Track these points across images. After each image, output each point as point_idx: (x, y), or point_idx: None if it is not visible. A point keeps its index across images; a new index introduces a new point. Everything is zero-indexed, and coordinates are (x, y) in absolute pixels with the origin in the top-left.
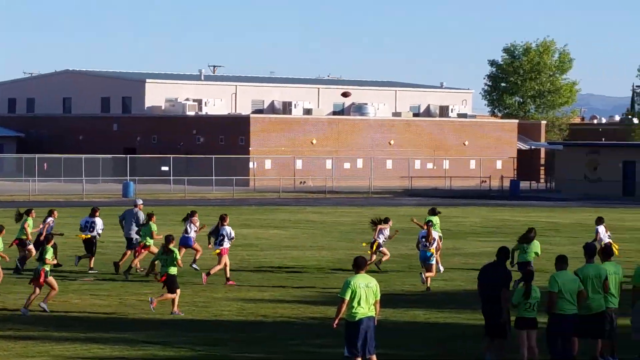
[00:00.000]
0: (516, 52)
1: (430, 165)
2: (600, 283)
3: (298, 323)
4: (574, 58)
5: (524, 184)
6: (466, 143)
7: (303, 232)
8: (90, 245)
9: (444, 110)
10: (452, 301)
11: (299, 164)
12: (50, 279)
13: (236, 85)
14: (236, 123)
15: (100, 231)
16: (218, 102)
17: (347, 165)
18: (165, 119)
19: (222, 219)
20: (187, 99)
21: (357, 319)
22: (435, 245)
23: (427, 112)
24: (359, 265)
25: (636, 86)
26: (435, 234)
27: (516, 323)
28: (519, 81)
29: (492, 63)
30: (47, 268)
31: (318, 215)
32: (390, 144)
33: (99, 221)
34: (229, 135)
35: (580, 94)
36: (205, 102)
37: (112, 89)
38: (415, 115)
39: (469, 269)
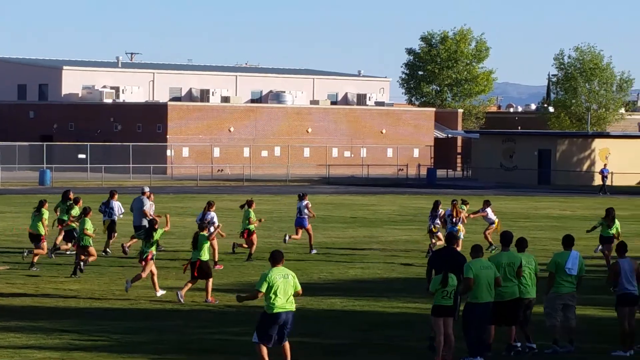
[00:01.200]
0: (433, 41)
1: (347, 154)
2: (513, 271)
3: (213, 311)
4: (490, 47)
5: (440, 172)
6: (384, 131)
7: (220, 220)
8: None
9: (361, 99)
10: (369, 289)
11: (216, 151)
12: None
13: (154, 73)
14: (154, 110)
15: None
16: (135, 89)
17: (264, 153)
18: (82, 106)
19: (209, 205)
20: (104, 87)
21: (274, 311)
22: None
23: (345, 101)
24: (274, 259)
25: (552, 75)
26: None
27: (433, 310)
28: (436, 70)
29: (410, 52)
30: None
31: (236, 203)
32: (307, 132)
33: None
34: (146, 123)
35: (497, 83)
36: (123, 90)
37: (29, 76)
38: (333, 103)
39: (385, 256)
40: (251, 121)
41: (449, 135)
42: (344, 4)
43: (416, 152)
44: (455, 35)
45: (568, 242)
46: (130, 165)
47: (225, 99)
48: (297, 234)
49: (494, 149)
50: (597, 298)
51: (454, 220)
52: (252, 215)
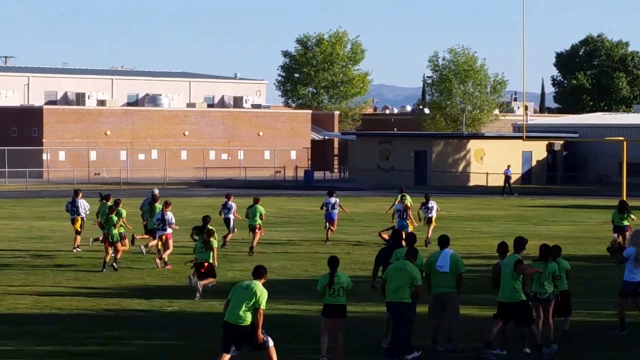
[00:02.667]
0: (309, 43)
1: (225, 156)
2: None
3: (92, 315)
4: (366, 49)
5: (318, 174)
6: (260, 133)
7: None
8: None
9: (238, 101)
10: None
11: (93, 155)
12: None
13: (28, 76)
14: (29, 114)
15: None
16: (10, 93)
17: (141, 157)
18: None
19: (166, 204)
20: None
21: (225, 319)
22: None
23: (222, 103)
24: (256, 273)
25: (427, 77)
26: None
27: (322, 310)
28: (312, 72)
29: (286, 54)
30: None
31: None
32: (184, 134)
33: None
34: (21, 127)
35: (373, 85)
36: None
37: None
38: (209, 106)
39: (263, 258)
40: (128, 124)
41: (326, 137)
42: (221, 5)
43: (293, 154)
44: (331, 38)
45: (443, 242)
46: (6, 169)
47: (102, 103)
48: (333, 226)
49: (371, 151)
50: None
51: (404, 214)
52: (263, 210)
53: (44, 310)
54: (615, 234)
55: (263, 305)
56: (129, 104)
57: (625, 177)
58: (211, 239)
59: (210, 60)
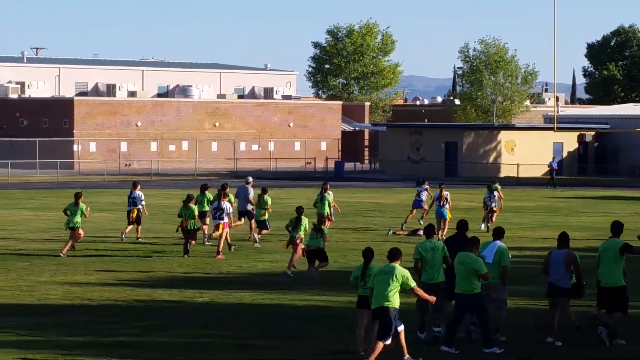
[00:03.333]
0: (339, 34)
1: (255, 147)
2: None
3: (123, 306)
4: (396, 40)
5: (348, 165)
6: (291, 125)
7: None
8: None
9: (268, 92)
10: (278, 283)
11: (123, 146)
12: None
13: (59, 68)
14: (60, 105)
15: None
16: (41, 84)
17: (172, 148)
18: None
19: (220, 195)
20: (9, 82)
21: (372, 307)
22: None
23: (252, 94)
24: (391, 256)
25: (457, 68)
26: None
27: (357, 302)
28: (342, 63)
29: (316, 45)
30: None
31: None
32: (215, 125)
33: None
34: (52, 118)
35: (403, 76)
36: (28, 85)
37: None
38: (240, 97)
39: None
40: (158, 115)
41: (356, 129)
42: None
43: (324, 146)
44: (362, 29)
45: (497, 233)
46: (37, 160)
47: (132, 94)
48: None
49: (401, 142)
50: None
51: (441, 202)
52: (269, 201)
53: (74, 301)
54: None
55: (412, 283)
56: (159, 95)
57: None
58: (322, 226)
59: (241, 52)
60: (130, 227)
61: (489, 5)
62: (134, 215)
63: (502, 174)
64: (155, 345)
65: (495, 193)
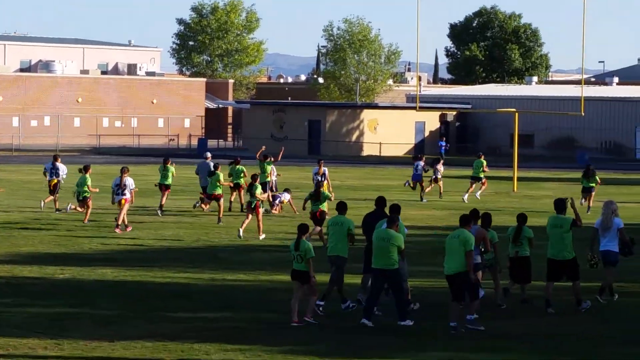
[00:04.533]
0: (204, 11)
1: (118, 123)
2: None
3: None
4: (261, 17)
5: (211, 142)
6: (154, 101)
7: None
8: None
9: (132, 69)
10: (140, 260)
11: None
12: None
13: None
14: None
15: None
16: None
17: (34, 123)
18: None
19: (123, 171)
20: None
21: (445, 273)
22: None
23: (116, 70)
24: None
25: (321, 46)
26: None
27: (291, 275)
28: (206, 40)
29: (180, 22)
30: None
31: (4, 173)
32: (78, 101)
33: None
34: None
35: (267, 54)
36: None
37: None
38: (103, 73)
39: (157, 227)
40: (20, 91)
41: (220, 106)
42: None
43: (187, 123)
44: (226, 6)
45: (341, 207)
46: None
47: None
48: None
49: (265, 120)
50: None
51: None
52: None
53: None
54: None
55: (471, 247)
56: (21, 70)
57: (517, 148)
58: (321, 189)
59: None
60: (51, 197)
61: None
62: (54, 183)
63: (365, 152)
64: (13, 323)
65: (441, 167)
